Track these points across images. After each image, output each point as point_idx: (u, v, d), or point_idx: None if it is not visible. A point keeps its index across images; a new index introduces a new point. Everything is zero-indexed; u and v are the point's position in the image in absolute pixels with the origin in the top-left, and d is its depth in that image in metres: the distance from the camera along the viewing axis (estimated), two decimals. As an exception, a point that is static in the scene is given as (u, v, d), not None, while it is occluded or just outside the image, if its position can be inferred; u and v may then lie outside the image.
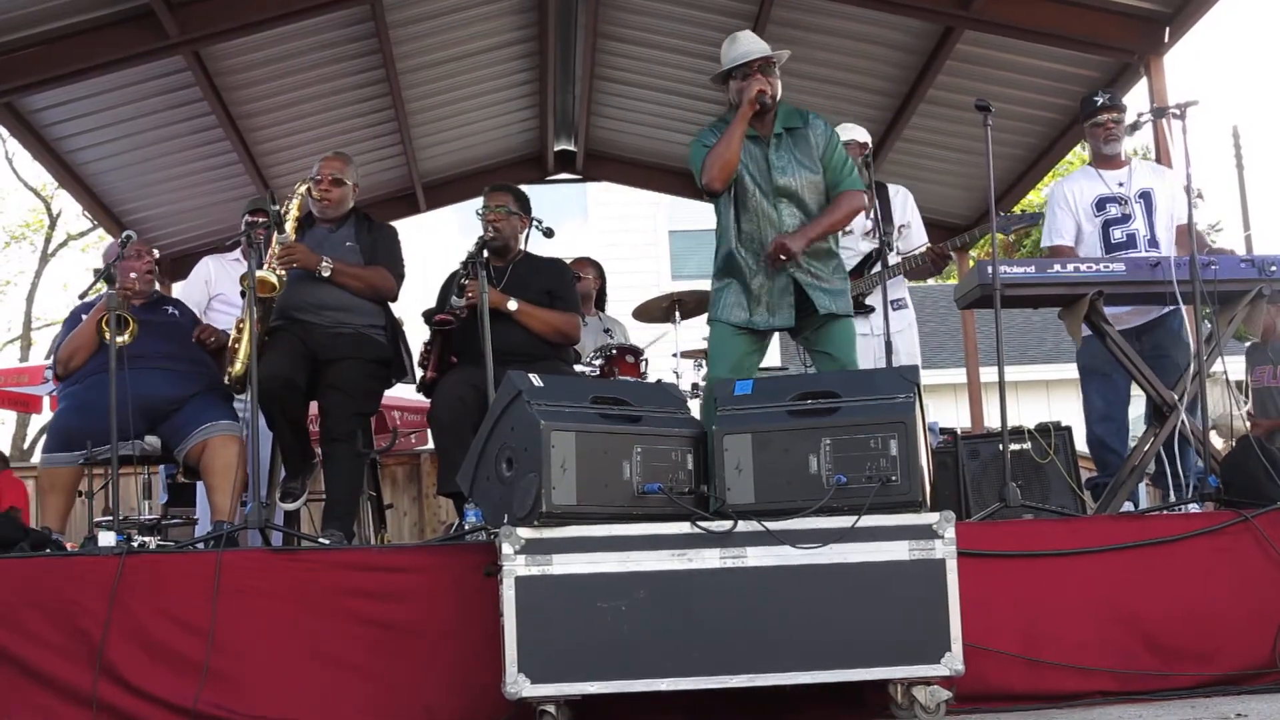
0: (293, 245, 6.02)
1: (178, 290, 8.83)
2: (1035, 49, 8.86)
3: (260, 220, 6.66)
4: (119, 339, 5.58)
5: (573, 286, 6.67)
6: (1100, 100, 6.77)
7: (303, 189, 6.24)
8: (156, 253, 6.63)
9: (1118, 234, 6.63)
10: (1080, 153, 22.46)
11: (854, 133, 7.23)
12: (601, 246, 12.85)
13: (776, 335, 5.98)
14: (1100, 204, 6.68)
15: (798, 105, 5.85)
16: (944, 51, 9.03)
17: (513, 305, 6.24)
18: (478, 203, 6.63)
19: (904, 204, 7.20)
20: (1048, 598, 4.82)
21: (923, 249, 7.13)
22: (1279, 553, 4.90)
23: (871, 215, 7.00)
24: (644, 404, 4.64)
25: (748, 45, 5.75)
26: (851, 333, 5.74)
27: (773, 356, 14.02)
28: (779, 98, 5.68)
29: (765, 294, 5.60)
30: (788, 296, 5.59)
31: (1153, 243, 6.57)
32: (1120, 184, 6.70)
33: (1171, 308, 6.14)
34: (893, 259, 7.01)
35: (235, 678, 4.60)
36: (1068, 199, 6.77)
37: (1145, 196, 6.66)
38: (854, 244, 7.08)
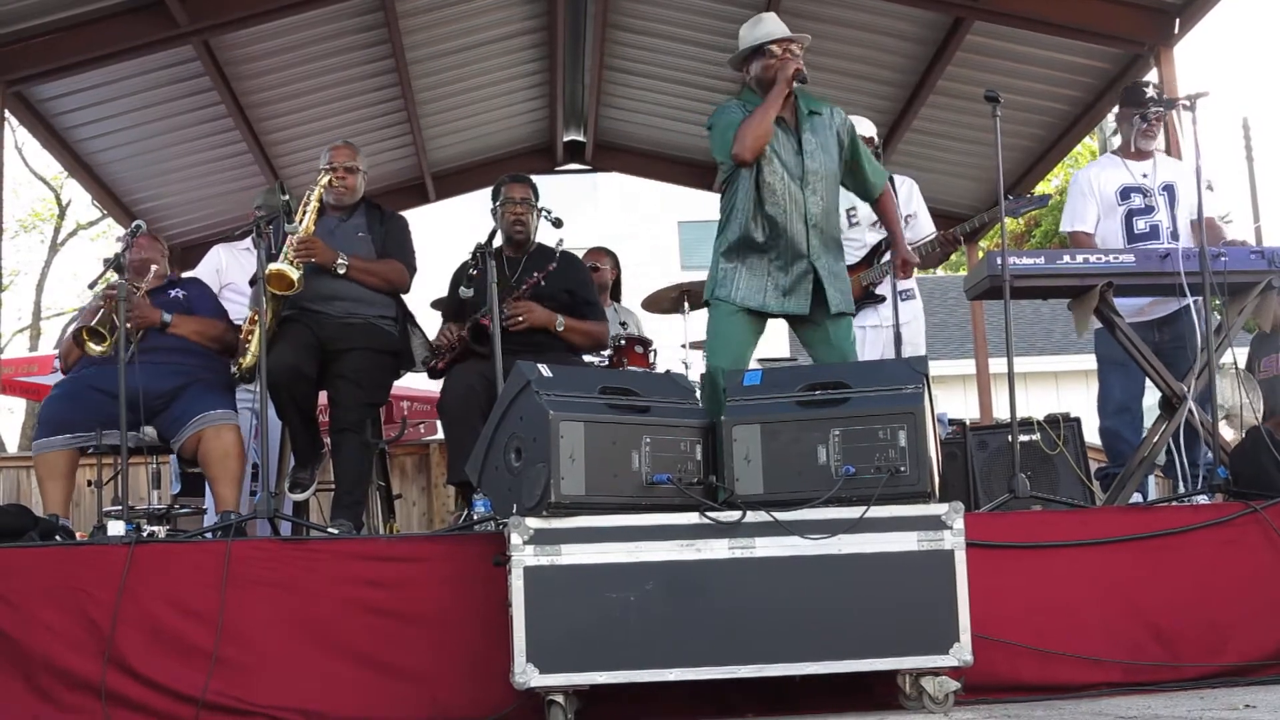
0: (311, 240, 6.01)
1: (188, 280, 8.83)
2: (1045, 40, 8.83)
3: (262, 215, 6.68)
4: (98, 348, 5.62)
5: (595, 288, 6.72)
6: (1150, 94, 6.70)
7: (324, 180, 6.23)
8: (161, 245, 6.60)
9: (1141, 224, 6.61)
10: (1089, 144, 22.51)
11: (861, 126, 7.22)
12: (610, 237, 12.79)
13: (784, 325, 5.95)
14: (1124, 193, 6.66)
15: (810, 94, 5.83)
16: (954, 42, 9.00)
17: (560, 326, 6.30)
18: (486, 192, 6.64)
19: (909, 194, 7.19)
20: (1056, 589, 4.83)
21: (930, 237, 7.12)
22: (1288, 544, 4.91)
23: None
24: (653, 394, 4.65)
25: (773, 25, 5.71)
26: (852, 330, 5.70)
27: (782, 347, 14.01)
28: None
29: (783, 279, 5.49)
30: (805, 283, 5.49)
31: (1175, 235, 6.55)
32: (1145, 175, 6.67)
33: (1190, 300, 6.10)
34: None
35: (244, 667, 4.62)
36: (1091, 185, 6.73)
37: (1169, 189, 6.64)
38: (861, 235, 7.07)
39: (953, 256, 22.63)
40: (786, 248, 5.47)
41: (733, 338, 5.53)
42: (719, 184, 5.78)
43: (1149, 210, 6.61)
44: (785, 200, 5.46)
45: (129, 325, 5.72)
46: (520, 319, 6.19)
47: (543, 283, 6.37)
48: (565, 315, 6.39)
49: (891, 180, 6.93)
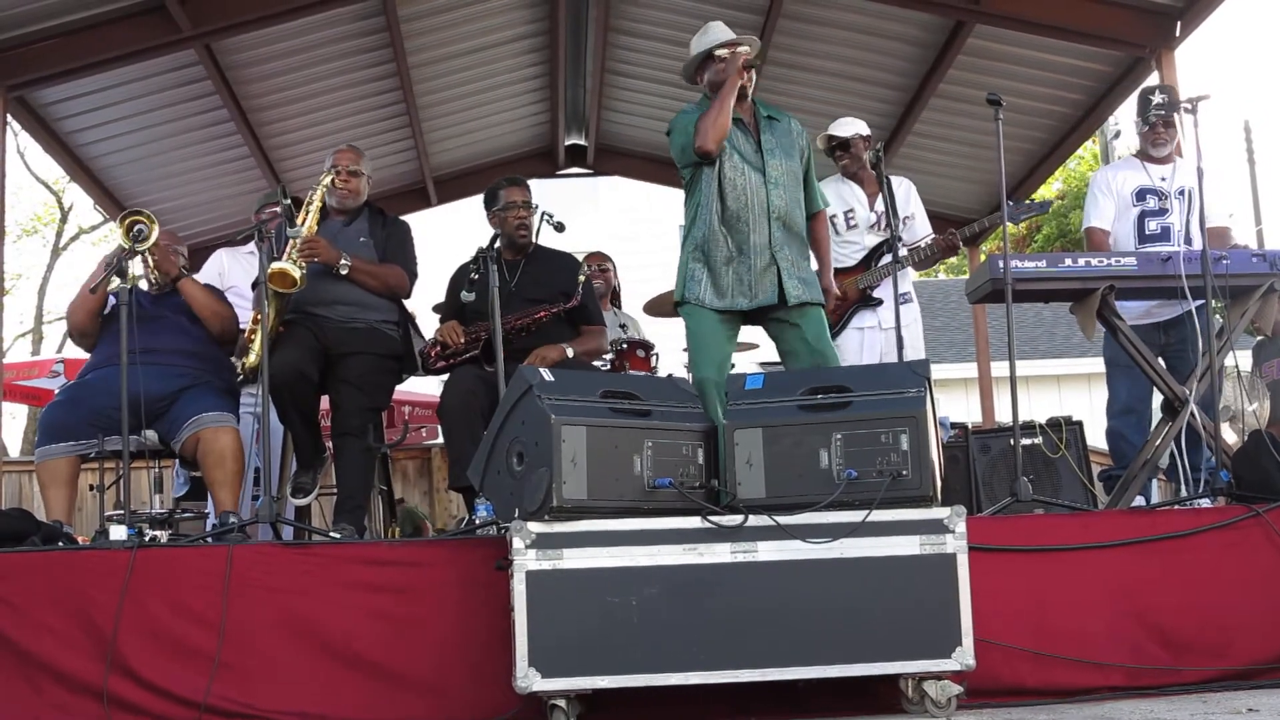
0: (315, 240, 6.01)
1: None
2: (1046, 43, 8.83)
3: (271, 211, 6.69)
4: (141, 246, 5.56)
5: (596, 297, 6.73)
6: (1156, 100, 6.74)
7: (327, 180, 6.23)
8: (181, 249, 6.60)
9: (1153, 225, 6.65)
10: (1091, 147, 22.51)
11: (857, 126, 7.24)
12: (612, 241, 12.81)
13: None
14: (1140, 194, 6.70)
15: (789, 100, 5.89)
16: (955, 46, 9.00)
17: (570, 354, 6.33)
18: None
19: (907, 195, 7.20)
20: (1059, 592, 4.83)
21: (928, 239, 7.13)
22: (1290, 548, 4.90)
23: (876, 208, 7.02)
24: (654, 398, 4.64)
25: (719, 32, 5.86)
26: (824, 320, 5.76)
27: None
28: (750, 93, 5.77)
29: (746, 274, 5.62)
30: (769, 275, 5.62)
31: (1188, 239, 6.58)
32: (1163, 178, 6.72)
33: (1200, 303, 6.10)
34: (900, 251, 6.99)
35: (246, 671, 4.62)
36: (1109, 185, 6.81)
37: (1186, 193, 6.65)
38: (859, 238, 7.09)
39: (954, 259, 22.64)
40: (749, 241, 5.61)
41: (711, 342, 5.68)
42: (684, 186, 5.91)
43: (1162, 212, 6.65)
44: (747, 194, 5.63)
45: (152, 270, 5.93)
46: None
47: (562, 315, 6.42)
48: (564, 316, 6.44)
49: (889, 181, 6.95)
